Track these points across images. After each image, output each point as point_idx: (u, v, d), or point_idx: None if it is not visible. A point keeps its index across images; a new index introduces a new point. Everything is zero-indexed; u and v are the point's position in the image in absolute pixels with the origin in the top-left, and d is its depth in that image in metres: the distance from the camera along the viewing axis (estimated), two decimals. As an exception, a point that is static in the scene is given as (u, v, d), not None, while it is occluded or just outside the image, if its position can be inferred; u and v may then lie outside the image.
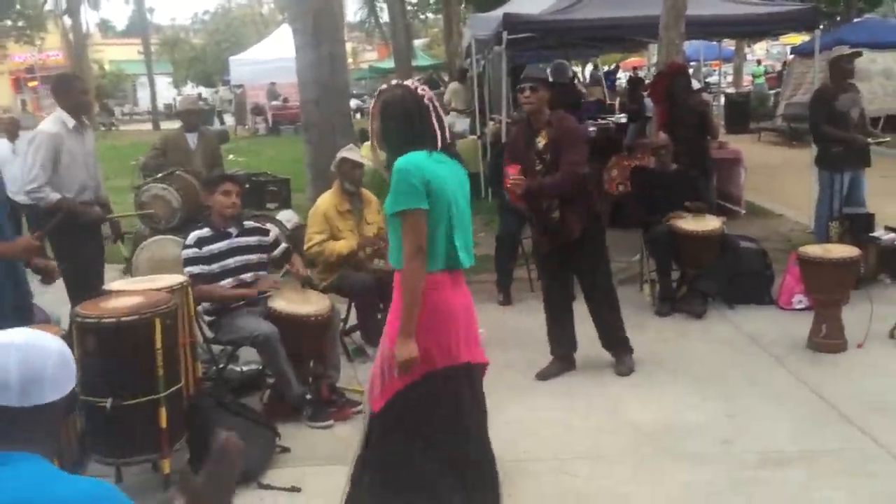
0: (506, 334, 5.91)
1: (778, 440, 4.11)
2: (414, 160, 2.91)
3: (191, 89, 41.47)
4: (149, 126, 32.33)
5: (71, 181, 5.08)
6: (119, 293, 3.92)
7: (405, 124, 2.97)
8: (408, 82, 3.08)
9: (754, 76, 28.55)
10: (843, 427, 4.24)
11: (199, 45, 45.26)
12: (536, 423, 4.42)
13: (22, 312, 3.83)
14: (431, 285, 2.96)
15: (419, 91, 3.00)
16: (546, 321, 5.22)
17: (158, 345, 3.56)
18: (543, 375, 5.06)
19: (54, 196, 4.98)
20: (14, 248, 3.78)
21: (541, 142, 4.82)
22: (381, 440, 3.11)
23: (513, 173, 4.77)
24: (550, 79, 5.24)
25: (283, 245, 5.13)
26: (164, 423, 3.61)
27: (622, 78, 26.02)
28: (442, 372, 3.02)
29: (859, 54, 7.38)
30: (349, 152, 5.59)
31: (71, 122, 5.12)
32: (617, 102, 16.75)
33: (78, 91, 5.26)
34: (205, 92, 39.73)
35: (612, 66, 31.49)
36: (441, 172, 2.95)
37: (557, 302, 5.20)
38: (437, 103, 3.04)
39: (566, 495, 3.68)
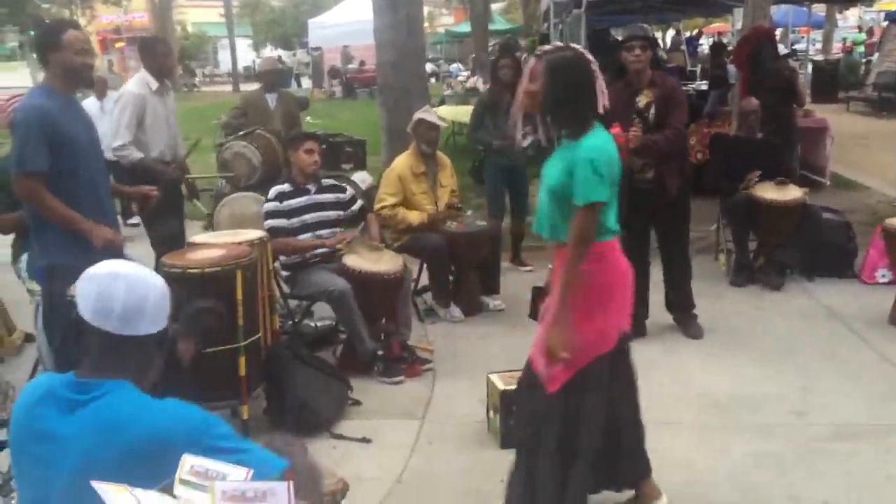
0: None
1: (852, 414, 4.03)
2: (605, 146, 2.87)
3: (270, 52, 42.02)
4: (229, 88, 32.94)
5: (153, 141, 5.25)
6: (202, 245, 4.07)
7: (575, 90, 2.87)
8: (574, 46, 3.02)
9: (855, 42, 27.42)
10: (922, 405, 4.13)
11: (279, 8, 45.73)
12: (605, 387, 4.43)
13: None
14: (611, 249, 2.97)
15: (587, 56, 2.93)
16: None
17: (239, 296, 3.70)
18: None
19: (137, 155, 5.16)
20: (99, 233, 3.78)
21: (642, 101, 4.79)
22: (559, 417, 2.96)
23: (615, 132, 4.65)
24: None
25: (360, 202, 5.22)
26: (242, 371, 3.76)
27: (704, 44, 25.29)
28: (617, 346, 3.01)
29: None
30: (426, 114, 5.62)
31: (154, 84, 5.28)
32: (699, 69, 16.31)
33: (161, 54, 5.40)
34: (283, 55, 40.19)
35: (695, 32, 30.60)
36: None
37: (635, 265, 5.09)
38: (598, 69, 2.93)
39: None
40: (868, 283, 6.03)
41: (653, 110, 4.77)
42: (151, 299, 1.82)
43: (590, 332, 2.90)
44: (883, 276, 5.95)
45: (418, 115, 5.60)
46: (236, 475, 1.40)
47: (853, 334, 5.12)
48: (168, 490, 1.42)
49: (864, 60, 21.82)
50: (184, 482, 1.40)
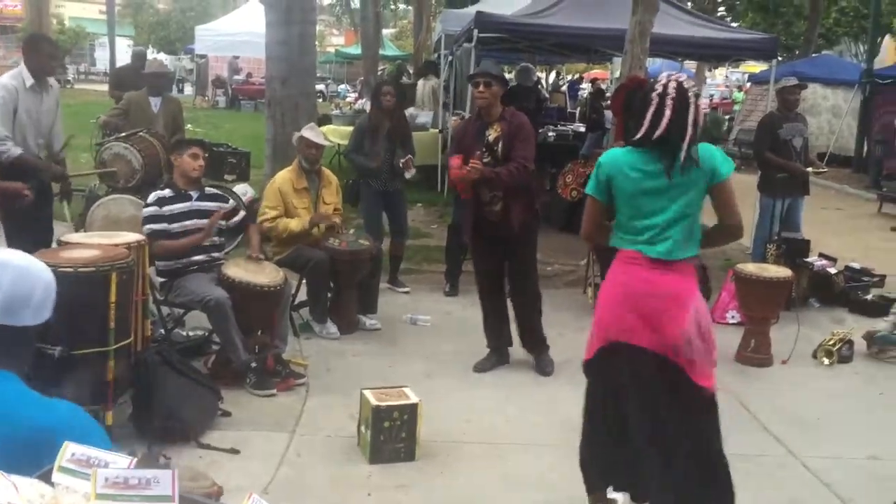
0: (452, 324, 6.08)
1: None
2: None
3: (152, 55, 40.74)
4: (105, 87, 31.66)
5: (19, 138, 5.03)
6: (76, 245, 3.96)
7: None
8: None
9: (735, 101, 29.37)
10: (762, 436, 4.48)
11: (165, 11, 44.45)
12: (475, 409, 4.58)
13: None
14: (617, 260, 3.29)
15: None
16: (482, 314, 5.31)
17: (113, 298, 3.62)
18: (480, 368, 5.18)
19: (16, 151, 4.93)
20: None
21: (491, 134, 4.86)
22: (708, 417, 3.17)
23: (455, 164, 4.82)
24: (515, 81, 5.36)
25: (242, 213, 5.20)
26: (110, 376, 3.67)
27: (585, 88, 26.42)
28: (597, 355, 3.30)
29: (804, 86, 7.72)
30: (309, 131, 5.68)
31: (30, 81, 5.06)
32: (577, 111, 17.04)
33: (45, 54, 5.17)
34: (166, 59, 39.04)
35: (576, 76, 31.87)
36: None
37: (491, 296, 5.26)
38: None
39: (496, 477, 3.84)
40: (719, 322, 6.46)
41: (501, 144, 4.85)
42: (37, 293, 1.81)
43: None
44: (732, 317, 6.40)
45: (301, 131, 5.66)
46: (120, 462, 1.42)
47: (704, 369, 5.47)
48: (46, 477, 1.41)
49: (727, 118, 23.36)
50: (63, 469, 1.40)
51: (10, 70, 5.34)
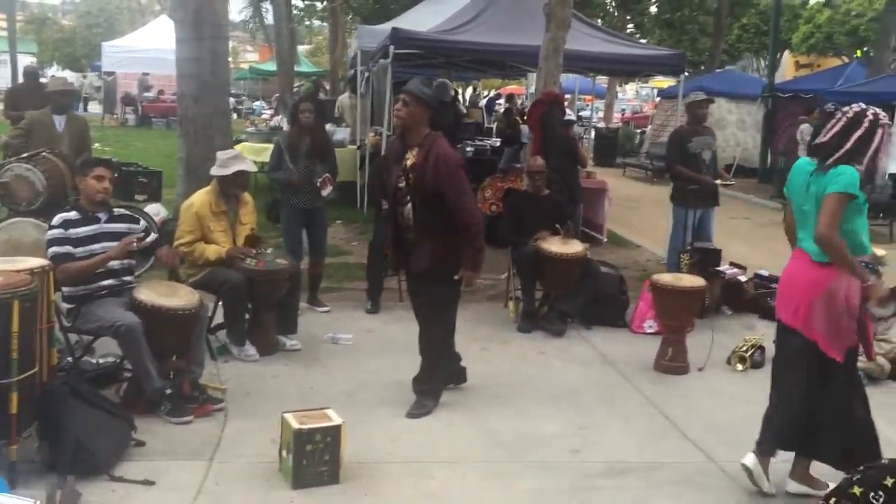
0: (374, 342, 6.01)
1: (622, 452, 4.38)
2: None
3: (56, 72, 39.40)
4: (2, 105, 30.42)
5: None
6: (-26, 272, 3.74)
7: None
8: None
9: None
10: (681, 442, 4.57)
11: (69, 27, 43.12)
12: (401, 428, 4.52)
13: None
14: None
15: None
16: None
17: (15, 328, 3.43)
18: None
19: None
20: None
21: (409, 159, 4.55)
22: (847, 387, 3.82)
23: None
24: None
25: (154, 235, 5.03)
26: (14, 409, 3.48)
27: (502, 104, 26.78)
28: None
29: (711, 101, 8.00)
30: (245, 164, 5.58)
31: None
32: (494, 126, 17.22)
33: None
34: (71, 76, 37.82)
35: (493, 93, 32.28)
36: None
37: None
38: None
39: (423, 497, 3.80)
40: (637, 332, 6.59)
41: (413, 175, 4.53)
42: None
43: None
44: (650, 326, 6.53)
45: (238, 166, 5.49)
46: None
47: (624, 379, 5.57)
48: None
49: (639, 131, 24.01)
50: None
51: None
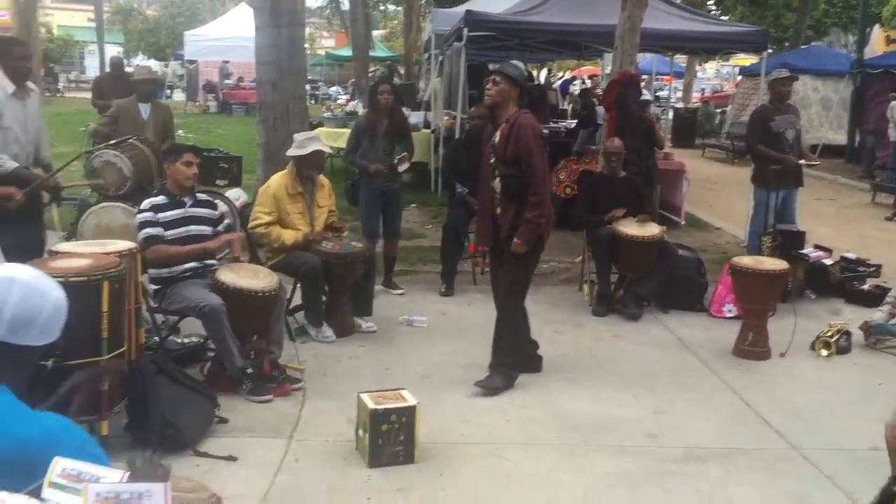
0: (448, 324, 6.05)
1: (700, 438, 4.31)
2: None
3: (141, 61, 40.67)
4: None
5: (6, 145, 4.98)
6: (67, 254, 3.92)
7: None
8: None
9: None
10: (761, 428, 4.47)
11: (153, 18, 44.35)
12: (474, 409, 4.55)
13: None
14: None
15: None
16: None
17: (105, 308, 3.58)
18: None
19: (11, 165, 4.87)
20: None
21: (497, 135, 4.76)
22: None
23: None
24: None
25: (227, 222, 5.17)
26: (105, 386, 3.64)
27: (577, 85, 26.42)
28: None
29: (795, 78, 7.72)
30: (320, 144, 5.66)
31: (11, 87, 5.01)
32: (569, 108, 17.03)
33: (17, 56, 5.10)
34: (155, 65, 38.98)
35: (568, 75, 31.89)
36: None
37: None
38: None
39: (497, 478, 3.81)
40: (716, 316, 6.46)
41: (500, 148, 4.70)
42: (45, 313, 1.74)
43: None
44: (729, 310, 6.39)
45: (315, 146, 5.58)
46: (111, 477, 1.39)
47: (702, 364, 5.47)
48: (36, 493, 1.38)
49: (719, 111, 23.38)
50: (54, 485, 1.37)
51: None
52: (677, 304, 6.59)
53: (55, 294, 1.79)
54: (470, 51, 9.73)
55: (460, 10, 10.75)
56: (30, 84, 5.20)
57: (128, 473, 1.42)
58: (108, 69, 11.29)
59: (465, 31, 8.83)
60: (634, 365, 5.39)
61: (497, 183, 4.80)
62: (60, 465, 1.40)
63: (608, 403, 4.72)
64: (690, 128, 21.01)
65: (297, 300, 5.71)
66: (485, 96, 4.81)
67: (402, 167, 6.58)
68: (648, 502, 3.67)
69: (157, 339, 4.89)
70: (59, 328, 1.79)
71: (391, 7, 39.68)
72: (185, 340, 5.23)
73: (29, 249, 4.86)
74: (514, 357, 4.90)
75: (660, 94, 24.05)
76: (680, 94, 29.37)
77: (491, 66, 14.53)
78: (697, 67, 35.19)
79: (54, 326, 1.77)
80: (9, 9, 35.20)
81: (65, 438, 1.68)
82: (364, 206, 6.74)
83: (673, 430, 4.40)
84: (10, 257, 4.89)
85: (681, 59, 21.54)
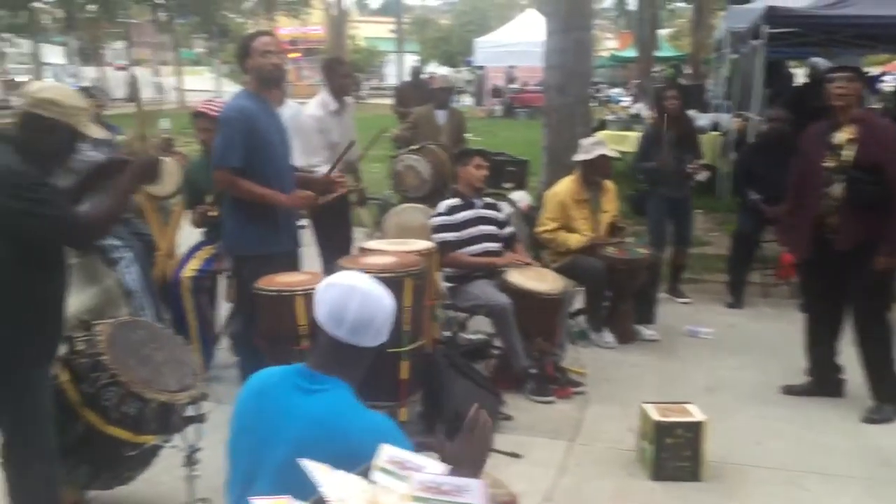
0: (736, 338, 5.76)
1: None
2: None
3: (434, 68, 43.19)
4: (392, 101, 33.99)
5: (332, 160, 5.48)
6: (375, 251, 4.27)
7: None
8: None
9: None
10: None
11: (447, 27, 46.87)
12: (767, 431, 4.29)
13: (292, 260, 4.31)
14: None
15: None
16: (805, 335, 4.80)
17: (407, 303, 3.85)
18: (790, 390, 4.77)
19: (321, 169, 5.41)
20: (293, 200, 4.21)
21: (842, 137, 4.37)
22: None
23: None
24: (809, 79, 4.88)
25: (511, 229, 5.31)
26: (405, 375, 3.91)
27: (888, 81, 23.79)
28: None
29: None
30: (606, 149, 5.64)
31: (333, 105, 5.52)
32: (881, 107, 15.41)
33: (340, 74, 5.65)
34: (447, 71, 41.18)
35: (877, 70, 28.88)
36: None
37: (818, 317, 4.71)
38: None
39: (794, 507, 3.57)
40: None
41: (855, 149, 4.32)
42: (379, 318, 1.98)
43: None
44: None
45: (601, 150, 5.58)
46: (433, 468, 1.50)
47: None
48: (364, 474, 1.53)
49: None
50: (382, 469, 1.50)
51: (316, 94, 5.87)
52: None
53: (387, 301, 2.00)
54: (768, 48, 9.14)
55: (759, 5, 10.13)
56: (347, 98, 5.73)
57: (449, 468, 1.52)
58: (408, 77, 12.12)
59: (765, 28, 8.31)
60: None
61: (837, 188, 4.35)
62: (387, 453, 1.53)
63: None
64: None
65: (579, 304, 5.74)
66: (837, 96, 4.39)
67: (700, 177, 6.40)
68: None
69: (447, 334, 5.16)
70: (388, 331, 1.99)
71: (679, 5, 38.43)
72: (472, 337, 5.46)
73: (340, 245, 5.38)
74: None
75: None
76: None
77: (790, 63, 13.59)
78: None
79: (384, 331, 1.98)
80: (323, 23, 39.01)
81: (390, 432, 1.86)
82: (652, 215, 6.62)
83: None
84: (325, 252, 5.46)
85: None
